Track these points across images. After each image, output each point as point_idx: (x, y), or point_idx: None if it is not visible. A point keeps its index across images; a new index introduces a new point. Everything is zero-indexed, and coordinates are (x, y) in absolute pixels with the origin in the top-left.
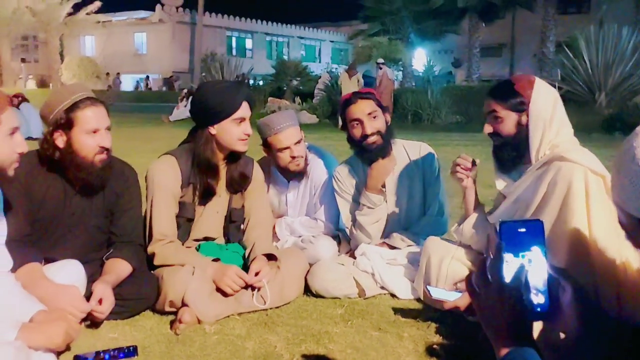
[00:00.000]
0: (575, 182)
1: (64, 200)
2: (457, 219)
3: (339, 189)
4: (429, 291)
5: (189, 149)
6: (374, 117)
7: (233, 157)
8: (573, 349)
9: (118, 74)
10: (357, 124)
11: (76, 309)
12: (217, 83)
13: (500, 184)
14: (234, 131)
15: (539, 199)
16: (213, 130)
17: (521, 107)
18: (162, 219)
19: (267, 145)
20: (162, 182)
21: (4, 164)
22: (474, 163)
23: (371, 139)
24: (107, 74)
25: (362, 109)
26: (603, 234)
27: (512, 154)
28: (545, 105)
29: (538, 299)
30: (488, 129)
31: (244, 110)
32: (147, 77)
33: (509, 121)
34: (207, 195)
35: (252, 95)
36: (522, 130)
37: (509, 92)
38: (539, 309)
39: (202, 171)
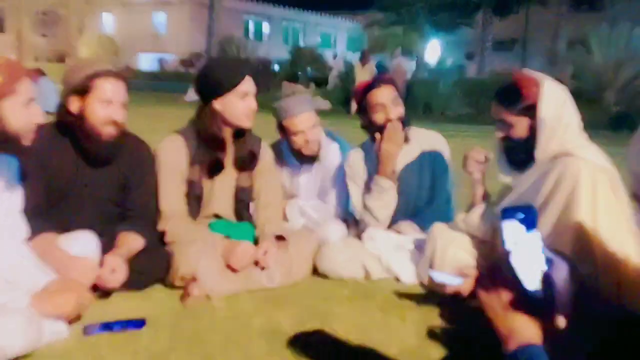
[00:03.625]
0: (583, 178)
1: (76, 172)
2: (463, 208)
3: (350, 173)
4: (431, 276)
5: (196, 127)
6: (397, 104)
7: (239, 134)
8: (567, 329)
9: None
10: (380, 109)
11: (89, 280)
12: (222, 58)
13: (505, 177)
14: (239, 106)
15: (546, 193)
16: (217, 104)
17: (530, 112)
18: (171, 197)
19: (282, 128)
20: (169, 160)
21: (20, 134)
22: (486, 158)
23: None
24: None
25: (386, 94)
26: (607, 229)
27: (523, 155)
28: (555, 109)
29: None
30: (499, 134)
31: (248, 84)
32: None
33: (520, 126)
34: (215, 170)
35: (258, 71)
36: (533, 133)
37: (516, 98)
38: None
39: (209, 146)
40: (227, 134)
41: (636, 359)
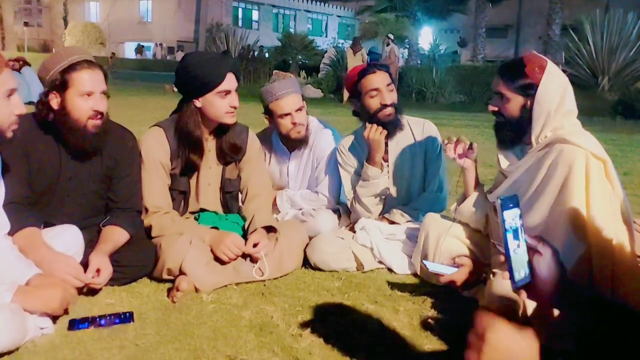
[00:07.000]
0: (576, 165)
1: (60, 165)
2: (457, 197)
3: (342, 161)
4: (425, 265)
5: (176, 121)
6: (391, 90)
7: (222, 129)
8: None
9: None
10: (375, 94)
11: (72, 278)
12: (201, 54)
13: (504, 162)
14: (220, 104)
15: (539, 180)
16: (198, 103)
17: (529, 92)
18: (155, 191)
19: (268, 112)
20: (150, 154)
21: (2, 126)
22: (470, 146)
23: (388, 110)
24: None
25: (381, 79)
26: (601, 217)
27: (511, 134)
28: (555, 93)
29: (522, 273)
30: (493, 107)
31: (229, 82)
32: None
33: (514, 103)
34: (190, 169)
35: (238, 66)
36: (526, 114)
37: (518, 74)
38: (522, 283)
39: (185, 145)
40: (207, 130)
41: (616, 347)
